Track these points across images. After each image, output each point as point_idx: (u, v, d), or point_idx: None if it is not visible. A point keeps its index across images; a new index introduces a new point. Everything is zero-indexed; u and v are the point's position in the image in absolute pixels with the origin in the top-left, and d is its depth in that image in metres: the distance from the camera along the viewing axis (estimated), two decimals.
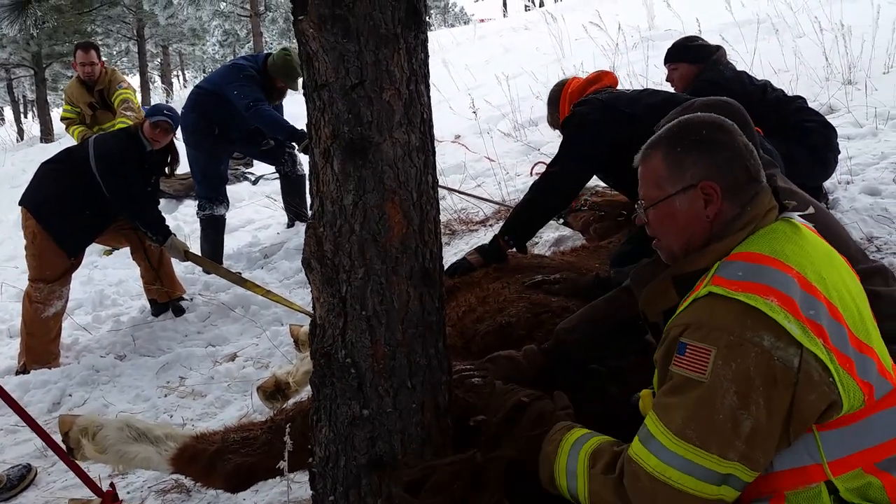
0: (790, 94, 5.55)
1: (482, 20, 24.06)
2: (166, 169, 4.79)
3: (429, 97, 1.77)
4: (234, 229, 6.45)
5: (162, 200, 7.79)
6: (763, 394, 1.32)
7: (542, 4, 18.30)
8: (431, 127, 1.77)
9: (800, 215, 1.55)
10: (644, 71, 6.79)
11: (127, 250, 5.03)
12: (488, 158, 6.28)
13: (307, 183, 5.23)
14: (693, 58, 3.89)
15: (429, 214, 1.76)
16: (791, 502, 1.38)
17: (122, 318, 4.91)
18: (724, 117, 1.65)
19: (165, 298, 4.85)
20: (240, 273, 4.87)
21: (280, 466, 1.91)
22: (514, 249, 3.09)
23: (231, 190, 7.18)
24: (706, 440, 1.34)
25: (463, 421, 1.83)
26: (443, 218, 5.20)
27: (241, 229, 6.57)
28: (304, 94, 1.71)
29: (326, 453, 1.75)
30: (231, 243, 5.99)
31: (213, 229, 5.54)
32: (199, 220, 5.62)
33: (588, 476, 1.50)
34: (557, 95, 3.53)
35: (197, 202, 5.70)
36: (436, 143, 6.14)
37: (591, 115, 3.10)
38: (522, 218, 3.11)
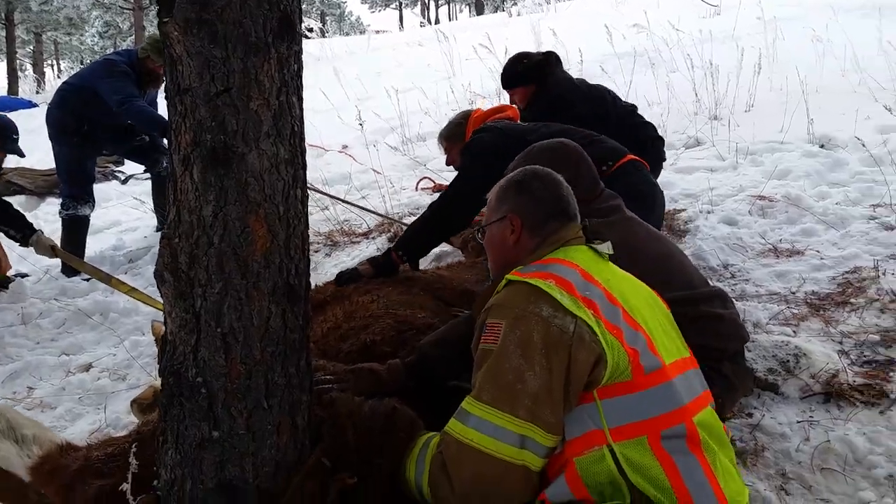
0: (662, 126, 5.89)
1: (378, 32, 24.04)
2: None
3: (301, 109, 1.72)
4: (99, 231, 6.08)
5: (22, 197, 7.29)
6: (544, 355, 1.53)
7: (437, 21, 18.52)
8: (303, 140, 1.73)
9: (608, 254, 1.83)
10: None
11: None
12: (375, 171, 6.26)
13: None
14: (524, 80, 4.00)
15: (296, 229, 1.71)
16: (579, 467, 1.51)
17: None
18: (559, 157, 2.27)
19: None
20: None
21: (123, 488, 1.80)
22: (407, 265, 3.10)
23: (98, 189, 6.78)
24: (497, 399, 1.53)
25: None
26: (325, 229, 5.18)
27: (106, 231, 6.20)
28: (166, 98, 1.62)
29: (172, 476, 1.66)
30: (94, 245, 5.63)
31: (75, 230, 5.21)
32: (60, 219, 5.26)
33: (429, 460, 1.62)
34: (461, 129, 3.60)
35: (60, 201, 5.34)
36: (323, 152, 6.09)
37: (490, 141, 3.17)
38: (419, 236, 3.14)
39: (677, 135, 5.87)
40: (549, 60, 4.08)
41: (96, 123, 5.10)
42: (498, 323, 1.60)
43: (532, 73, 4.00)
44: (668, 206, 4.48)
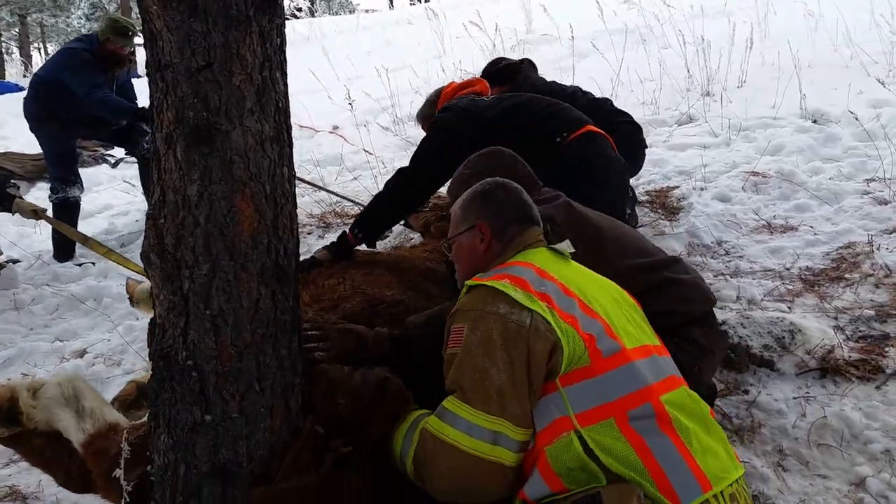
0: (654, 103, 5.85)
1: (367, 11, 23.80)
2: None
3: (285, 85, 1.68)
4: (90, 215, 6.01)
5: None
6: (505, 350, 1.59)
7: (427, 0, 18.34)
8: (288, 117, 1.69)
9: (569, 253, 1.90)
10: None
11: None
12: (366, 151, 6.21)
13: None
14: (500, 80, 4.12)
15: (284, 209, 1.67)
16: (550, 456, 1.55)
17: None
18: (494, 162, 2.40)
19: None
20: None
21: (116, 475, 1.77)
22: (364, 245, 3.09)
23: (88, 173, 6.71)
24: (469, 397, 1.59)
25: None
26: (317, 210, 5.14)
27: (97, 215, 6.12)
28: (147, 75, 1.58)
29: (165, 461, 1.63)
30: (86, 230, 5.51)
31: (66, 214, 5.16)
32: (51, 204, 5.21)
33: (415, 442, 1.67)
34: (433, 108, 3.59)
35: (49, 185, 5.29)
36: (314, 133, 5.99)
37: (450, 119, 3.19)
38: (375, 213, 3.11)
39: (670, 111, 5.83)
40: (523, 64, 4.31)
41: (72, 111, 5.08)
42: (460, 327, 1.67)
43: (507, 74, 4.18)
44: (661, 184, 4.46)
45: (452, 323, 1.71)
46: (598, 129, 3.09)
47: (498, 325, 1.61)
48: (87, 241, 4.23)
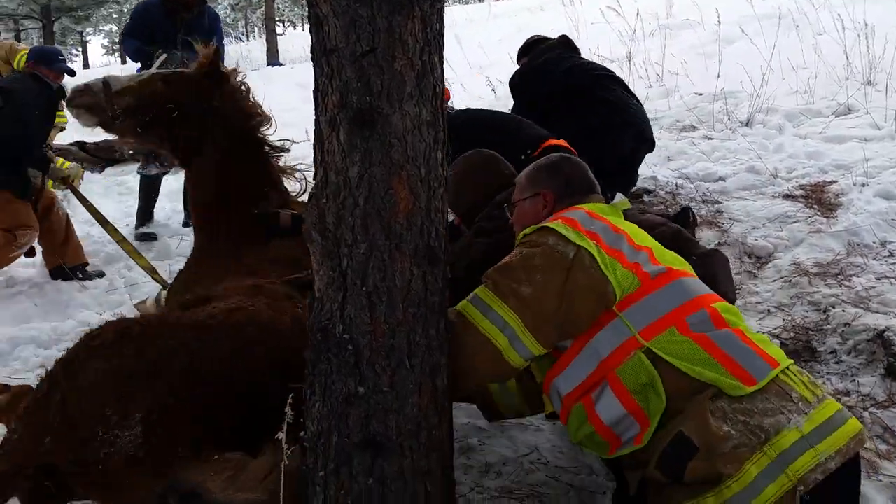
0: (809, 92, 5.48)
1: None
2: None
3: (442, 70, 1.70)
4: None
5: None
6: (542, 271, 1.77)
7: None
8: (444, 101, 1.71)
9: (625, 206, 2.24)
10: (661, 59, 6.68)
11: None
12: None
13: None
14: (521, 52, 4.86)
15: (436, 192, 1.70)
16: (622, 375, 1.71)
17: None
18: (480, 159, 2.69)
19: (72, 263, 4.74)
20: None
21: (279, 437, 1.86)
22: None
23: None
24: (496, 287, 1.80)
25: None
26: None
27: None
28: (312, 59, 1.64)
29: (319, 429, 1.71)
30: None
31: (144, 187, 5.54)
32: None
33: None
34: None
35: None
36: None
37: None
38: None
39: (826, 101, 5.43)
40: (552, 42, 4.75)
41: None
42: (517, 252, 1.87)
43: (524, 48, 4.86)
44: (817, 178, 4.18)
45: (514, 248, 1.92)
46: (557, 142, 3.29)
47: (545, 252, 1.79)
48: (106, 224, 4.27)
